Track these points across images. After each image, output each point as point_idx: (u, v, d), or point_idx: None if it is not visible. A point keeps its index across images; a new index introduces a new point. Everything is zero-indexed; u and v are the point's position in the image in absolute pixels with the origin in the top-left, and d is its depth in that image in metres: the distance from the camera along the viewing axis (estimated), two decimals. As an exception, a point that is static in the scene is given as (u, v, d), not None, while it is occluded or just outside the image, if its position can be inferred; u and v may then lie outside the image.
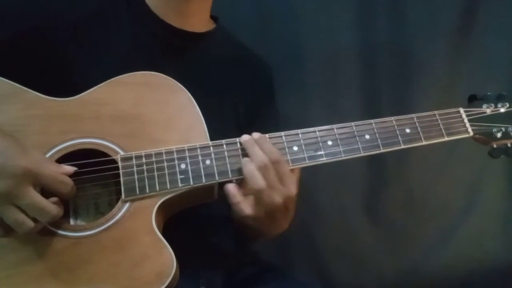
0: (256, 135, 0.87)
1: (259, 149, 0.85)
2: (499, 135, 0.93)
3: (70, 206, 0.87)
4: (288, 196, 0.86)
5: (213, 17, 1.13)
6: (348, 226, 1.53)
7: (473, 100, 0.96)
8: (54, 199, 0.77)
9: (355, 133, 0.89)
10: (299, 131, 0.88)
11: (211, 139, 0.87)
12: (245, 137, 0.87)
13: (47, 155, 0.83)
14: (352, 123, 0.90)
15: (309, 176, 1.42)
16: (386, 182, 1.56)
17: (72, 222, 0.87)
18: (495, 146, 0.95)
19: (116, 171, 0.83)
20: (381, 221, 1.57)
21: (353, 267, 1.55)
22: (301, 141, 0.88)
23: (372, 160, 1.51)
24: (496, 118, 0.94)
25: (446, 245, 1.60)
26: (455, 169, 1.58)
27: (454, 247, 1.60)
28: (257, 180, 0.84)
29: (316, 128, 0.89)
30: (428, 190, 1.59)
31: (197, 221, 1.01)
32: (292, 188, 0.87)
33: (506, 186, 1.63)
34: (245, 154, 0.86)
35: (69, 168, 0.81)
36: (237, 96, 1.09)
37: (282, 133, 0.88)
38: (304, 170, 1.41)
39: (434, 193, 1.59)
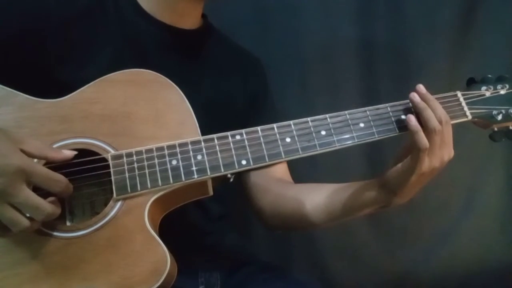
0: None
1: (439, 104, 0.81)
2: (499, 117, 0.85)
3: (66, 207, 0.82)
4: (451, 157, 0.82)
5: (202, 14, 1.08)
6: (348, 226, 1.46)
7: (471, 83, 0.89)
8: (51, 198, 0.72)
9: (349, 121, 0.82)
10: (291, 122, 0.81)
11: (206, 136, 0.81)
12: (417, 96, 0.82)
13: None
14: (346, 112, 0.83)
15: (309, 176, 1.35)
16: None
17: (68, 223, 0.82)
18: (496, 129, 0.87)
19: (108, 170, 0.78)
20: (381, 221, 1.50)
21: (353, 267, 1.49)
22: (294, 132, 0.81)
23: (373, 160, 1.45)
24: (496, 100, 0.86)
25: (445, 245, 1.54)
26: (455, 169, 1.50)
27: (453, 247, 1.54)
28: (435, 121, 0.79)
29: (309, 118, 0.82)
30: (428, 190, 1.46)
31: (195, 220, 0.97)
32: (452, 150, 0.82)
33: (506, 186, 1.56)
34: (237, 147, 0.80)
35: (69, 153, 0.76)
36: (232, 91, 1.04)
37: (274, 125, 0.82)
38: (303, 170, 1.36)
39: (433, 193, 1.52)
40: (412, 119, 0.80)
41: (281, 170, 1.07)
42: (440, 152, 0.80)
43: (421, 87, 0.82)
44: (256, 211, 1.06)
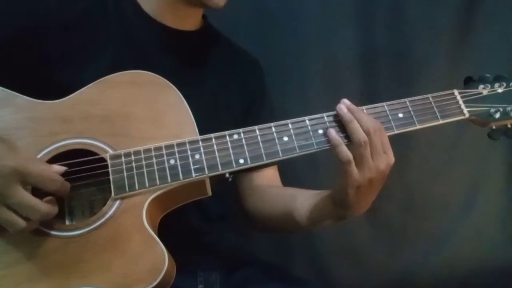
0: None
1: (365, 115, 0.80)
2: (497, 115, 0.84)
3: (65, 207, 0.82)
4: (390, 164, 0.80)
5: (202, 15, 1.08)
6: (348, 226, 1.44)
7: (469, 82, 0.88)
8: (48, 198, 0.72)
9: None
10: (288, 121, 0.81)
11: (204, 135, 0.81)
12: (344, 108, 0.80)
13: (38, 157, 0.77)
14: None
15: (308, 176, 1.36)
16: (385, 182, 1.46)
17: (67, 222, 0.81)
18: (494, 127, 0.85)
19: (106, 170, 0.78)
20: (381, 221, 1.48)
21: (353, 267, 1.47)
22: (291, 131, 0.80)
23: None
24: (493, 98, 0.85)
25: (445, 245, 1.52)
26: (455, 169, 1.50)
27: (453, 247, 1.52)
28: (361, 133, 0.77)
29: (306, 117, 0.82)
30: (428, 190, 1.50)
31: (194, 220, 0.96)
32: (392, 156, 0.81)
33: (505, 185, 1.54)
34: (235, 146, 0.79)
35: (59, 168, 0.75)
36: (231, 92, 1.03)
37: (272, 124, 0.81)
38: (302, 169, 1.36)
39: (434, 193, 1.51)
40: (332, 132, 0.79)
41: (269, 175, 1.07)
42: (374, 163, 0.78)
43: (345, 101, 0.81)
44: (243, 212, 1.07)
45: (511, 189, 1.54)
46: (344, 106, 0.80)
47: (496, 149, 1.49)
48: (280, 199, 0.98)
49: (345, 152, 0.77)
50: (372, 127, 0.78)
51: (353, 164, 0.77)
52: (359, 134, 0.77)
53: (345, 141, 0.80)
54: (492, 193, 1.53)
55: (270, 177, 1.07)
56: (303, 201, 0.91)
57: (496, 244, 1.54)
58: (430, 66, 1.43)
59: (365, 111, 0.82)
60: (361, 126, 0.78)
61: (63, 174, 0.75)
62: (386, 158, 0.79)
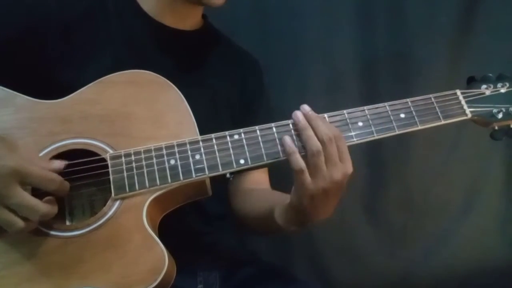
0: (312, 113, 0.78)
1: (322, 123, 0.76)
2: (500, 116, 0.83)
3: (66, 207, 0.81)
4: (347, 174, 0.76)
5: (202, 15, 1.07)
6: (348, 226, 1.44)
7: (471, 82, 0.87)
8: (48, 198, 0.71)
9: (348, 120, 0.80)
10: (289, 121, 0.80)
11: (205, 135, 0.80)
12: (299, 115, 0.77)
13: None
14: (344, 111, 0.81)
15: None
16: (385, 182, 1.47)
17: (68, 222, 0.81)
18: (496, 127, 0.85)
19: (106, 170, 0.77)
20: (381, 221, 1.48)
21: (353, 267, 1.46)
22: (292, 131, 0.79)
23: (372, 160, 1.43)
24: (496, 98, 0.84)
25: (445, 245, 1.51)
26: (455, 169, 1.49)
27: (453, 247, 1.51)
28: (314, 142, 0.74)
29: None
30: (428, 190, 1.50)
31: (194, 219, 0.96)
32: (349, 165, 0.76)
33: (505, 186, 1.53)
34: (235, 147, 0.79)
35: (59, 163, 0.74)
36: (231, 91, 1.03)
37: (272, 124, 0.80)
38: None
39: (433, 193, 1.50)
40: (287, 140, 0.76)
41: (257, 177, 1.05)
42: (328, 172, 0.74)
43: (305, 107, 0.78)
44: (231, 212, 1.07)
45: (511, 189, 1.53)
46: (300, 113, 0.78)
47: (496, 150, 1.48)
48: (258, 203, 0.96)
49: (297, 160, 0.74)
50: (328, 135, 0.74)
51: (305, 173, 0.74)
52: (312, 142, 0.74)
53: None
54: (492, 193, 1.52)
55: (257, 180, 1.05)
56: (280, 203, 0.88)
57: (496, 244, 1.53)
58: (430, 66, 1.42)
59: (366, 111, 0.81)
60: (316, 134, 0.75)
61: (63, 174, 0.74)
62: (342, 168, 0.75)
